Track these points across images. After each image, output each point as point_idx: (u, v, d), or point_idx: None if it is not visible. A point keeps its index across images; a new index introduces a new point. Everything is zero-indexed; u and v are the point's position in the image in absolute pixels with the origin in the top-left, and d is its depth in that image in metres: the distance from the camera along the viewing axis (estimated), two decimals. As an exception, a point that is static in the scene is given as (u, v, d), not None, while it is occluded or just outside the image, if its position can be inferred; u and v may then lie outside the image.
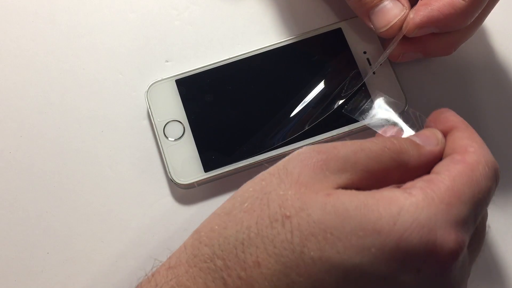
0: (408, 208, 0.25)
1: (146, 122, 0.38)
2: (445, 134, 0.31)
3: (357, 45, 0.39)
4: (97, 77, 0.39)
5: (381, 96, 0.36)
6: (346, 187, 0.26)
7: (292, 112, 0.37)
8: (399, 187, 0.27)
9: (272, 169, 0.28)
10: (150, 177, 0.37)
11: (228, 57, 0.38)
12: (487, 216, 0.31)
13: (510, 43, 0.40)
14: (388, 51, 0.36)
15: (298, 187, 0.26)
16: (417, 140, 0.30)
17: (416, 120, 0.35)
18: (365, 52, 0.38)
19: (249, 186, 0.28)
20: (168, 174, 0.36)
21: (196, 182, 0.36)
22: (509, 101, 0.39)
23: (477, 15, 0.33)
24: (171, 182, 0.36)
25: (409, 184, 0.27)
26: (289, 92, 0.37)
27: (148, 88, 0.38)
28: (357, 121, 0.36)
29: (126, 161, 0.37)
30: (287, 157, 0.28)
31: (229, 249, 0.25)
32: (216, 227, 0.26)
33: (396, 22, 0.34)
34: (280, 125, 0.37)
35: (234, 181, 0.36)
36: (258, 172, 0.36)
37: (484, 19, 0.36)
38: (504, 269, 0.36)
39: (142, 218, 0.36)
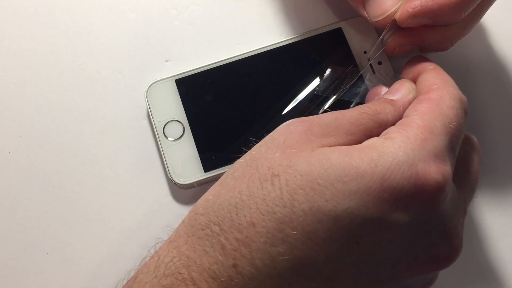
0: (386, 150, 0.26)
1: (146, 122, 0.38)
2: (415, 79, 0.33)
3: (357, 45, 0.39)
4: (96, 77, 0.39)
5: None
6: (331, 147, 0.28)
7: (291, 111, 0.37)
8: None
9: (260, 142, 0.29)
10: (150, 177, 0.37)
11: (228, 57, 0.38)
12: (477, 154, 0.32)
13: (511, 43, 0.40)
14: (380, 39, 0.35)
15: (284, 149, 0.27)
16: (390, 96, 0.32)
17: (390, 77, 0.37)
18: (365, 52, 0.38)
19: (240, 159, 0.29)
20: (168, 174, 0.36)
21: (196, 182, 0.36)
22: (509, 101, 0.39)
23: (472, 8, 0.33)
24: (171, 182, 0.36)
25: (384, 132, 0.28)
26: (289, 92, 0.37)
27: (148, 88, 0.38)
28: None
29: (126, 161, 0.37)
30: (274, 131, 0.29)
31: (224, 214, 0.26)
32: (211, 197, 0.28)
33: (392, 11, 0.34)
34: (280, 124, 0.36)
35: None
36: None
37: (482, 15, 0.36)
38: (505, 270, 0.35)
39: (141, 218, 0.36)
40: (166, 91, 0.38)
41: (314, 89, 0.37)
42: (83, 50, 0.40)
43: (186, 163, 0.36)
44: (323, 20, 0.40)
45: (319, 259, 0.25)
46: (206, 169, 0.36)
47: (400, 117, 0.30)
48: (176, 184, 0.36)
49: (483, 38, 0.40)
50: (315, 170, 0.26)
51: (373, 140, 0.27)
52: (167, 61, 0.40)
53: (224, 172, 0.35)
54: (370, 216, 0.25)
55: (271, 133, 0.29)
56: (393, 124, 0.29)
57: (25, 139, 0.38)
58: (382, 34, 0.35)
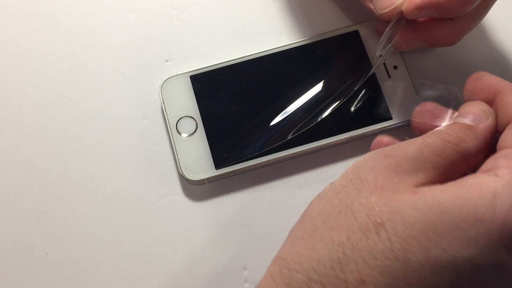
0: (502, 190, 0.24)
1: (146, 122, 0.38)
2: (490, 101, 0.30)
3: (373, 48, 0.38)
4: (96, 77, 0.39)
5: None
6: (424, 185, 0.25)
7: (303, 112, 0.37)
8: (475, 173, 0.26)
9: (341, 181, 0.26)
10: (149, 177, 0.37)
11: (243, 55, 0.38)
12: None
13: (511, 42, 0.40)
14: (387, 29, 0.35)
15: (380, 191, 0.25)
16: (467, 121, 0.29)
17: (450, 94, 0.34)
18: (381, 55, 0.37)
19: (323, 203, 0.26)
20: (179, 169, 0.36)
21: (206, 178, 0.36)
22: None
23: (478, 1, 0.32)
24: (182, 178, 0.36)
25: (489, 165, 0.26)
26: (302, 92, 0.37)
27: (163, 83, 0.38)
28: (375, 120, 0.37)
29: (126, 161, 0.37)
30: (351, 167, 0.27)
31: (326, 271, 0.24)
32: (304, 250, 0.25)
33: (399, 3, 0.33)
34: (292, 125, 0.36)
35: (244, 179, 0.37)
36: (269, 171, 0.36)
37: (488, 9, 0.35)
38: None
39: (142, 218, 0.36)
40: (181, 87, 0.38)
41: (328, 90, 0.37)
42: (83, 50, 0.40)
43: (198, 159, 0.36)
44: (323, 20, 0.40)
45: None
46: (217, 166, 0.36)
47: (481, 146, 0.27)
48: (187, 180, 0.36)
49: (483, 38, 0.40)
50: (426, 217, 0.23)
51: (480, 177, 0.25)
52: (167, 61, 0.40)
53: (234, 170, 0.35)
54: (491, 264, 0.23)
55: (353, 171, 0.26)
56: (475, 155, 0.27)
57: (25, 139, 0.38)
58: (389, 26, 0.34)
